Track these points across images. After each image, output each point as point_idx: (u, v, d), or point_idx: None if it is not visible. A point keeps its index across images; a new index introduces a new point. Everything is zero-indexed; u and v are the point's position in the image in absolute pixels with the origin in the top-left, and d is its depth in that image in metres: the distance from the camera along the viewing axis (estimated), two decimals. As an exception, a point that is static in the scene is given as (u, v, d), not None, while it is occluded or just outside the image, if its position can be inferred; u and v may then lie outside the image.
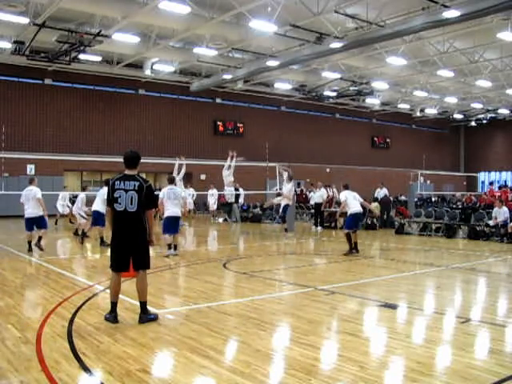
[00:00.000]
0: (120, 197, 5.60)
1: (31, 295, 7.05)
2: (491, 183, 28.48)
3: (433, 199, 27.42)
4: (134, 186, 5.62)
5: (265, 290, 7.65)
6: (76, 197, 21.09)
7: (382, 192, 21.65)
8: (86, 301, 6.67)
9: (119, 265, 5.70)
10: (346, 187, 12.24)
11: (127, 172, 5.75)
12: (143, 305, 5.72)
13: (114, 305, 5.69)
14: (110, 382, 3.96)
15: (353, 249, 11.68)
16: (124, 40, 20.29)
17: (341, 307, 6.50)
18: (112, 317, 5.62)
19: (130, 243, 5.67)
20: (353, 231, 11.72)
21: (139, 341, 4.97)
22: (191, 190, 22.69)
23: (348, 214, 11.79)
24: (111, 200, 5.66)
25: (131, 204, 5.60)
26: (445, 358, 4.66)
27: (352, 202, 11.76)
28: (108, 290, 6.36)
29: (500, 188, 19.86)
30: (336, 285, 8.10)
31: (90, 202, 22.58)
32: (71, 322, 5.63)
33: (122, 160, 5.84)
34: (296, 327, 5.55)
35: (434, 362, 4.48)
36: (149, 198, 5.71)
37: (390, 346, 4.94)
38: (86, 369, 4.21)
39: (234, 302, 6.87)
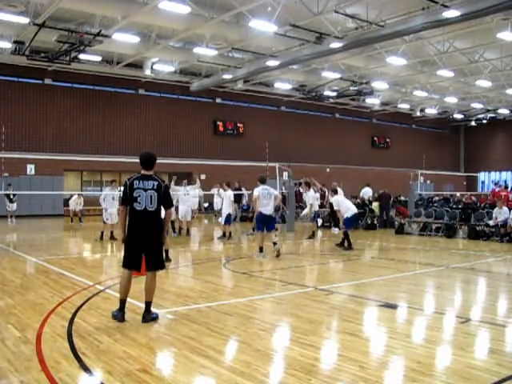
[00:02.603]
0: (139, 196, 5.65)
1: (31, 295, 7.05)
2: (496, 183, 28.41)
3: (436, 199, 27.36)
4: (153, 185, 5.71)
5: (265, 290, 7.65)
6: (70, 198, 21.46)
7: (365, 191, 22.12)
8: (86, 301, 6.67)
9: (134, 263, 5.70)
10: (336, 192, 13.41)
11: (144, 172, 5.80)
12: (148, 305, 5.73)
13: (123, 302, 5.68)
14: (110, 382, 3.97)
15: (349, 245, 12.59)
16: (124, 40, 20.28)
17: (341, 307, 6.50)
18: (120, 315, 5.62)
19: (146, 242, 5.68)
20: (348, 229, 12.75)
21: (139, 341, 4.97)
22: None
23: (346, 215, 12.62)
24: (129, 199, 5.68)
25: (151, 203, 5.67)
26: (445, 358, 4.66)
27: (348, 204, 12.84)
28: (108, 290, 6.38)
29: (495, 184, 19.87)
30: (336, 285, 8.10)
31: (87, 202, 22.86)
32: (71, 322, 5.62)
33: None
34: (296, 327, 5.55)
35: (433, 362, 4.48)
36: (166, 198, 5.85)
37: (389, 345, 4.95)
38: (86, 369, 4.21)
39: (234, 302, 6.86)
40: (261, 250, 11.18)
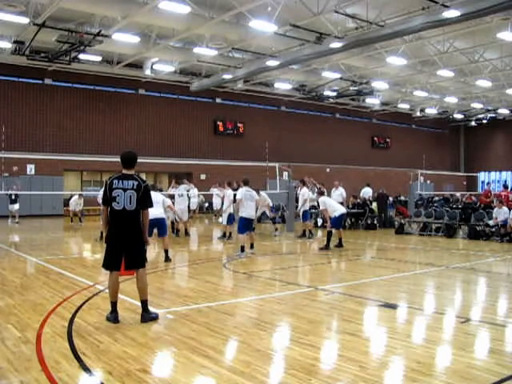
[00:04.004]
0: (118, 196, 5.62)
1: (31, 295, 7.05)
2: (488, 183, 28.59)
3: (436, 199, 27.39)
4: (133, 185, 5.66)
5: (265, 290, 7.65)
6: (71, 198, 21.54)
7: (365, 191, 22.07)
8: (86, 301, 6.68)
9: (113, 264, 5.69)
10: (322, 193, 13.57)
11: (125, 171, 5.77)
12: (144, 303, 5.73)
13: (114, 304, 5.69)
14: (110, 381, 3.96)
15: (327, 245, 12.66)
16: (124, 40, 20.28)
17: (341, 307, 6.50)
18: (113, 317, 5.62)
19: (126, 242, 5.68)
20: (337, 228, 12.93)
21: (139, 341, 4.97)
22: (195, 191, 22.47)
23: (333, 215, 12.70)
24: (108, 199, 5.67)
25: (130, 203, 5.63)
26: (445, 358, 4.66)
27: (335, 205, 12.97)
28: (108, 290, 6.35)
29: (487, 184, 19.87)
30: (336, 285, 8.11)
31: (87, 202, 22.87)
32: (71, 321, 5.63)
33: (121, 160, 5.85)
34: (296, 327, 5.55)
35: (433, 362, 4.48)
36: (145, 198, 5.76)
37: (390, 345, 4.94)
38: (86, 369, 4.21)
39: (234, 301, 6.87)
40: (242, 249, 11.24)
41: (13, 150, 23.03)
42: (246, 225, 11.38)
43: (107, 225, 5.76)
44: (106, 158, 24.99)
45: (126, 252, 5.67)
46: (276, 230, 16.91)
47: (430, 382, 3.97)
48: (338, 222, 12.86)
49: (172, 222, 15.81)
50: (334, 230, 12.84)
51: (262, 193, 16.36)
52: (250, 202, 11.37)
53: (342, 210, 13.10)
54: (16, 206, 21.27)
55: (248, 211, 11.31)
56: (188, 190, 16.55)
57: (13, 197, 20.96)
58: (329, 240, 12.64)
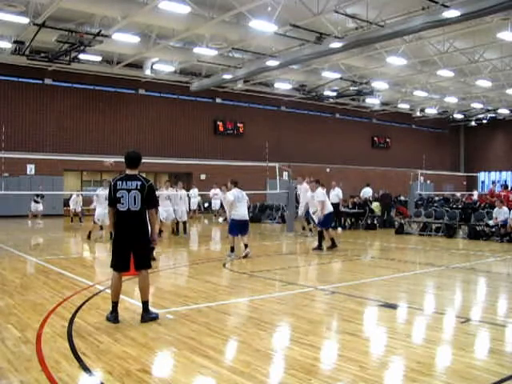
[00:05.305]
0: (123, 197, 5.63)
1: (31, 295, 7.05)
2: (493, 182, 28.58)
3: (436, 199, 27.39)
4: (137, 185, 5.66)
5: (265, 290, 7.65)
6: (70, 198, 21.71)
7: (365, 191, 21.91)
8: (86, 301, 6.67)
9: (121, 265, 5.71)
10: (318, 182, 13.18)
11: (128, 172, 5.78)
12: (145, 304, 5.73)
13: (115, 304, 5.69)
14: (110, 381, 3.97)
15: (319, 245, 12.52)
16: (124, 40, 20.28)
17: (341, 307, 6.50)
18: (113, 317, 5.63)
19: (132, 243, 5.69)
20: (326, 228, 12.67)
21: (139, 341, 4.97)
22: (195, 191, 22.67)
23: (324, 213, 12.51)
24: (113, 200, 5.67)
25: (134, 204, 5.63)
26: (445, 358, 4.66)
27: (327, 203, 12.79)
28: (108, 290, 6.37)
29: (493, 183, 19.84)
30: (336, 285, 8.10)
31: (87, 202, 22.88)
32: (71, 322, 5.63)
33: (122, 160, 5.86)
34: (296, 327, 5.55)
35: (433, 362, 4.48)
36: (150, 198, 5.75)
37: (390, 345, 4.95)
38: (86, 369, 4.21)
39: (234, 301, 6.87)
40: (232, 249, 11.10)
41: (13, 150, 23.03)
42: (237, 226, 11.07)
43: (114, 226, 5.78)
44: (106, 158, 24.93)
45: (134, 252, 5.69)
46: (310, 230, 16.05)
47: (430, 382, 3.98)
48: (326, 221, 12.53)
49: (176, 223, 15.90)
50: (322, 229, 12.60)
51: (320, 189, 15.77)
52: (241, 202, 11.08)
53: (330, 208, 12.75)
54: (40, 207, 21.63)
55: (240, 213, 11.01)
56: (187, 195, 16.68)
57: (38, 198, 21.29)
58: (320, 240, 12.50)
